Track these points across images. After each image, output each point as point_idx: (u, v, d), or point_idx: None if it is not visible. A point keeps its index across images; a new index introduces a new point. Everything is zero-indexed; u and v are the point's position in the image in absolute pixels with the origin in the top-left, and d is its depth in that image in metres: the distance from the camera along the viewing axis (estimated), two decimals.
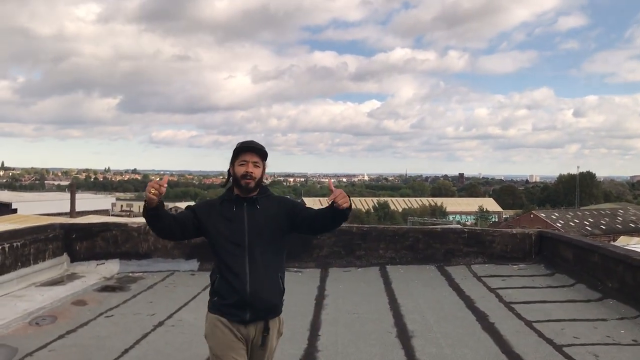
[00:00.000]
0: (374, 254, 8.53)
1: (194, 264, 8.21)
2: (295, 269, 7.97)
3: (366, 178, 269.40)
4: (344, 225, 3.14)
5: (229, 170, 2.95)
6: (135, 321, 5.62)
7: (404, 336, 5.14)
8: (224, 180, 3.05)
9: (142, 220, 3.10)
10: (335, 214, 2.73)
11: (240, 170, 2.86)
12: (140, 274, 7.88)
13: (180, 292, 6.89)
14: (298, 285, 7.04)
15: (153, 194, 2.64)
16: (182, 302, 6.36)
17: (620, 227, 77.69)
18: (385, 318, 5.75)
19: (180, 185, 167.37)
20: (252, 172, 2.84)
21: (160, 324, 5.54)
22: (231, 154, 2.95)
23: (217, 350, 2.82)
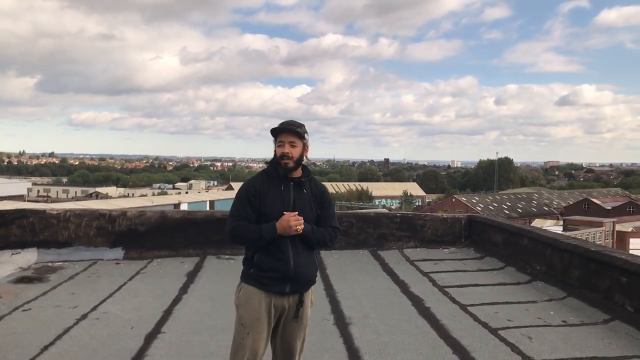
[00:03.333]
0: None
1: (118, 253, 7.77)
2: (227, 256, 7.72)
3: None
4: None
5: (275, 151, 3.05)
6: (56, 315, 5.21)
7: (341, 323, 5.05)
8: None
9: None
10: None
11: (278, 151, 3.01)
12: (61, 263, 7.38)
13: (105, 282, 6.49)
14: (230, 274, 6.80)
15: (298, 230, 2.91)
16: (107, 293, 5.98)
17: (535, 210, 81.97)
18: (322, 305, 5.63)
19: (101, 170, 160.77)
20: (288, 153, 2.97)
21: (84, 317, 5.16)
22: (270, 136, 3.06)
23: (247, 319, 2.95)
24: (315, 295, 5.85)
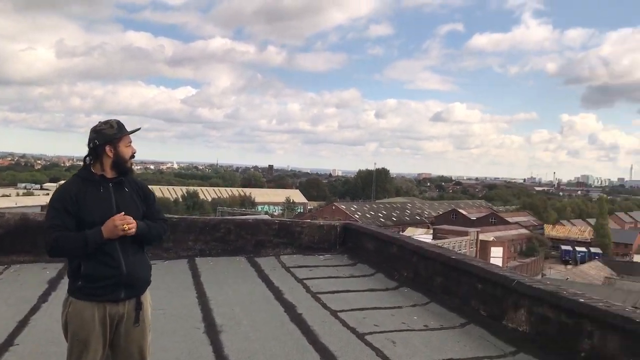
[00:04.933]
0: (182, 245, 8.20)
1: None
2: None
3: (176, 166, 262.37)
4: None
5: (95, 150, 2.88)
6: None
7: (212, 331, 4.99)
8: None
9: None
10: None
11: (128, 151, 2.93)
12: None
13: None
14: None
15: (129, 232, 2.79)
16: None
17: (408, 219, 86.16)
18: (193, 313, 5.53)
19: None
20: (135, 152, 2.95)
21: None
22: (88, 134, 2.94)
23: (81, 336, 2.80)
24: (186, 303, 5.79)
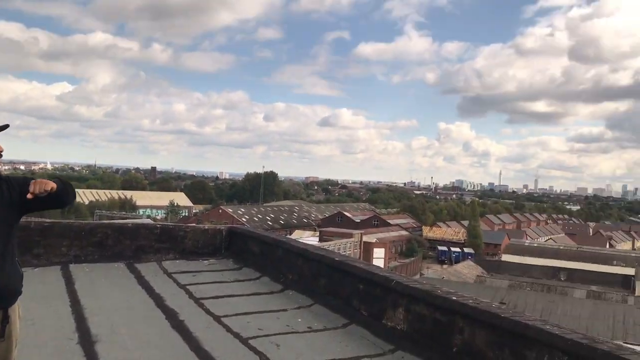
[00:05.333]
0: (55, 251, 7.66)
1: None
2: None
3: (49, 167, 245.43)
4: (23, 219, 2.88)
5: None
6: None
7: (86, 342, 4.70)
8: None
9: None
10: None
11: None
12: None
13: None
14: None
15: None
16: None
17: (295, 222, 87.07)
18: (66, 323, 5.18)
19: None
20: (2, 151, 2.71)
21: None
22: None
23: None
24: (58, 312, 5.41)
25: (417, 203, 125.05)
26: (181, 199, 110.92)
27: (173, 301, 6.18)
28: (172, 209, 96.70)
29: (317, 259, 6.62)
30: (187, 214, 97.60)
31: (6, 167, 2.70)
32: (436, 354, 4.57)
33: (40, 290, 6.27)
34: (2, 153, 2.72)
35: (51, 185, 2.61)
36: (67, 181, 2.82)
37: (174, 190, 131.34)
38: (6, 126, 2.75)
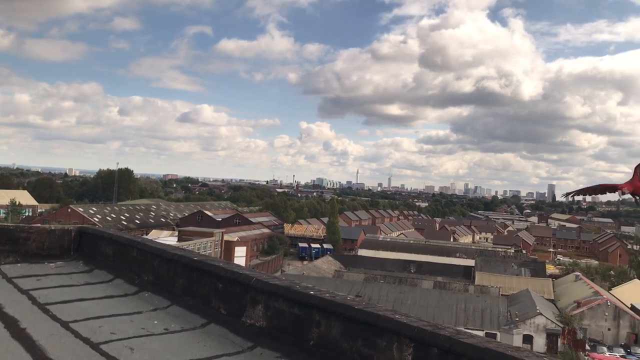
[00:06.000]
0: None
1: None
2: None
3: None
4: None
5: None
6: None
7: None
8: None
9: None
10: None
11: None
12: None
13: None
14: None
15: None
16: None
17: (152, 221, 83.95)
18: None
19: None
20: None
21: None
22: None
23: None
24: None
25: (279, 201, 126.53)
26: (24, 197, 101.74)
27: (13, 308, 5.68)
28: (13, 208, 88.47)
29: (174, 259, 6.45)
30: (30, 214, 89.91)
31: None
32: (294, 348, 4.67)
33: None
34: None
35: None
36: None
37: (16, 187, 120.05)
38: None
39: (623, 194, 5.57)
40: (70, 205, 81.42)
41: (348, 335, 4.27)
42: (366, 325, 4.12)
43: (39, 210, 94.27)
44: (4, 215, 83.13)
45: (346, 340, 4.27)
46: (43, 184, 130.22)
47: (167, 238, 51.65)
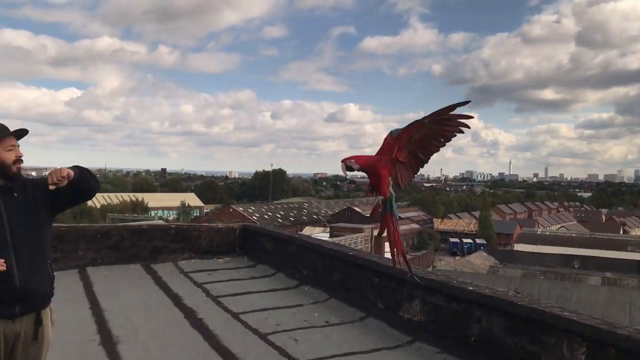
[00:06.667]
0: (72, 255, 7.77)
1: None
2: None
3: None
4: None
5: None
6: None
7: (108, 343, 4.79)
8: None
9: None
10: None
11: (10, 156, 2.71)
12: None
13: None
14: None
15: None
16: None
17: (305, 218, 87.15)
18: (87, 325, 5.28)
19: None
20: (22, 156, 2.70)
21: None
22: None
23: None
24: (79, 314, 5.50)
25: (427, 195, 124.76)
26: (192, 199, 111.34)
27: (191, 300, 6.26)
28: (184, 209, 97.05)
29: (330, 254, 6.67)
30: (198, 214, 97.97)
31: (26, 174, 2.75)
32: (454, 343, 4.60)
33: (59, 294, 6.34)
34: (22, 159, 2.77)
35: (66, 170, 2.65)
36: (83, 167, 2.85)
37: (185, 191, 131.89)
38: (25, 131, 2.80)
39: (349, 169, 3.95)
40: (232, 205, 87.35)
41: (512, 332, 4.12)
42: (531, 322, 3.94)
43: (205, 211, 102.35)
44: (175, 216, 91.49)
45: (510, 336, 4.12)
46: (207, 187, 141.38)
47: (320, 234, 53.43)
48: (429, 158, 3.90)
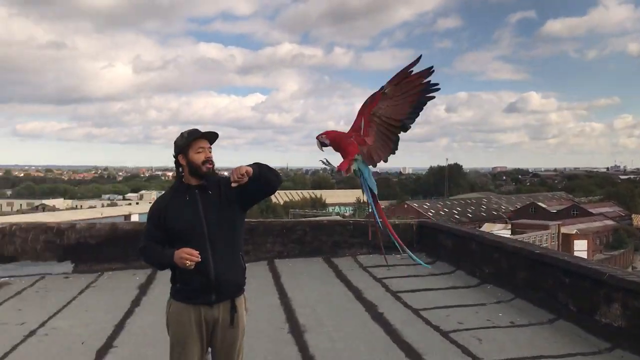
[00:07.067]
0: (261, 248, 8.39)
1: (67, 266, 7.56)
2: None
3: None
4: None
5: (176, 162, 2.98)
6: (2, 332, 5.03)
7: (296, 331, 5.07)
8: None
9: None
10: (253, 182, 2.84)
11: (199, 157, 2.92)
12: (6, 279, 7.12)
13: (53, 297, 6.30)
14: None
15: (189, 266, 2.77)
16: (56, 309, 5.81)
17: (484, 214, 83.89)
18: (277, 314, 5.65)
19: (47, 181, 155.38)
20: (211, 156, 2.95)
21: (32, 333, 5.00)
22: (174, 145, 2.99)
23: (179, 337, 2.90)
24: (269, 304, 5.91)
25: (624, 189, 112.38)
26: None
27: (371, 294, 6.38)
28: (359, 205, 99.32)
29: (514, 251, 6.34)
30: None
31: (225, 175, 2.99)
32: None
33: (252, 284, 6.86)
34: (211, 159, 2.97)
35: (245, 168, 2.80)
36: (263, 163, 2.97)
37: (360, 187, 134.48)
38: (214, 134, 3.03)
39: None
40: (406, 202, 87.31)
41: None
42: None
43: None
44: (352, 212, 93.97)
45: None
46: (381, 183, 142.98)
47: (500, 231, 51.09)
48: (406, 128, 3.53)
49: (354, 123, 3.54)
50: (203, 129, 3.00)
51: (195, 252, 2.78)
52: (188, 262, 2.75)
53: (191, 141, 2.94)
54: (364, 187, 3.40)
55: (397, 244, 3.25)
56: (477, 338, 4.81)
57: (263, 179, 2.88)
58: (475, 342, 4.72)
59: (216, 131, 3.03)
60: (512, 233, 50.60)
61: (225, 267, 2.88)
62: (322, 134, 3.50)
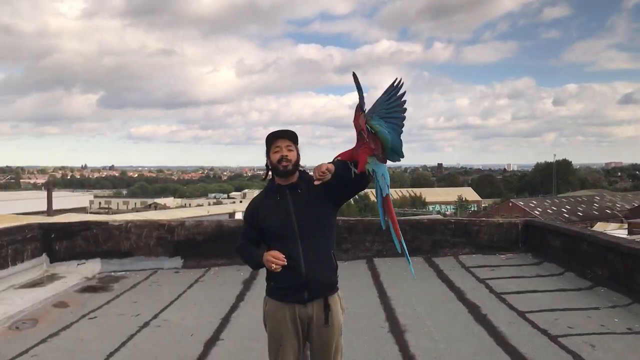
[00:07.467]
0: (360, 246, 8.42)
1: (177, 262, 8.02)
2: None
3: None
4: None
5: (267, 164, 3.02)
6: (120, 322, 5.44)
7: (396, 331, 5.05)
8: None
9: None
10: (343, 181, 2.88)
11: (275, 157, 2.95)
12: (123, 273, 7.67)
13: (165, 291, 6.71)
14: None
15: (275, 269, 2.84)
16: (167, 301, 6.18)
17: (596, 213, 78.94)
18: (377, 312, 5.65)
19: (159, 181, 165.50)
20: (287, 155, 2.94)
21: (146, 324, 5.36)
22: (265, 148, 3.02)
23: (275, 334, 2.95)
24: (369, 302, 5.93)
25: None
26: (469, 193, 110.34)
27: (474, 295, 6.22)
28: (461, 204, 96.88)
29: (632, 253, 5.90)
30: (475, 209, 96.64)
31: (311, 174, 2.98)
32: None
33: (351, 282, 6.95)
34: (284, 157, 2.91)
35: (326, 165, 2.80)
36: (345, 161, 2.94)
37: (461, 185, 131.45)
38: (287, 132, 2.98)
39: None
40: (511, 200, 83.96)
41: None
42: None
43: (482, 205, 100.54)
44: (453, 210, 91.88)
45: None
46: (484, 180, 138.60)
47: (615, 231, 47.78)
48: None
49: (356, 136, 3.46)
50: (301, 128, 3.05)
51: (281, 256, 2.83)
52: (274, 266, 2.81)
53: (270, 142, 2.98)
54: (375, 187, 3.31)
55: (398, 245, 3.12)
56: (590, 344, 4.53)
57: (346, 176, 2.87)
58: (587, 348, 4.45)
59: (315, 130, 3.04)
60: (629, 233, 47.06)
61: (316, 265, 2.89)
62: (336, 157, 3.43)
